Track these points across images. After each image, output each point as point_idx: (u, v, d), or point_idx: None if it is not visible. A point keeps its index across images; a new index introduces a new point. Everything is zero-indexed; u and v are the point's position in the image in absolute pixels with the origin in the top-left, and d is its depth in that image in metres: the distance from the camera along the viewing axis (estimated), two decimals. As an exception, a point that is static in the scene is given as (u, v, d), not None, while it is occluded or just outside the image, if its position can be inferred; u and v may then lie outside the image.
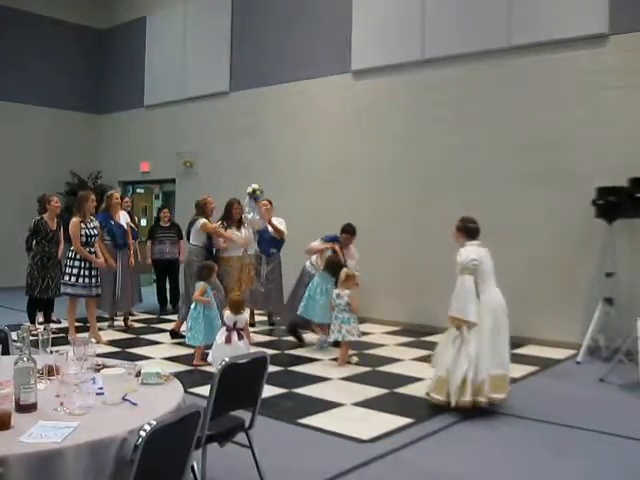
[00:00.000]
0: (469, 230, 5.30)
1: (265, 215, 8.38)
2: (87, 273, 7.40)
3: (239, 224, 8.00)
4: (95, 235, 7.53)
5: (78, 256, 7.38)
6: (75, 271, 7.37)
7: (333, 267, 7.27)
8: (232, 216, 7.96)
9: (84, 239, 7.36)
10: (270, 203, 8.74)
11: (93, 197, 7.67)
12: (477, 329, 5.03)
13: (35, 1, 13.16)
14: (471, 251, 5.14)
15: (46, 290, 8.23)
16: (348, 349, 6.89)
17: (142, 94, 13.34)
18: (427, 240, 8.96)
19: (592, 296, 7.39)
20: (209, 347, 6.29)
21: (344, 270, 7.02)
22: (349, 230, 7.67)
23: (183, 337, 7.82)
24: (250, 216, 8.12)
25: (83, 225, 7.38)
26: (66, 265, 7.49)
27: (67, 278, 7.41)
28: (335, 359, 6.90)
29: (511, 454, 4.38)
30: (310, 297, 7.43)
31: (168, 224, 10.23)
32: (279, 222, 8.57)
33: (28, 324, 7.93)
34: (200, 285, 6.76)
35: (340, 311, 6.74)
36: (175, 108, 12.63)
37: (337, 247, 7.62)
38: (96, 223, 7.67)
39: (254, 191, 8.17)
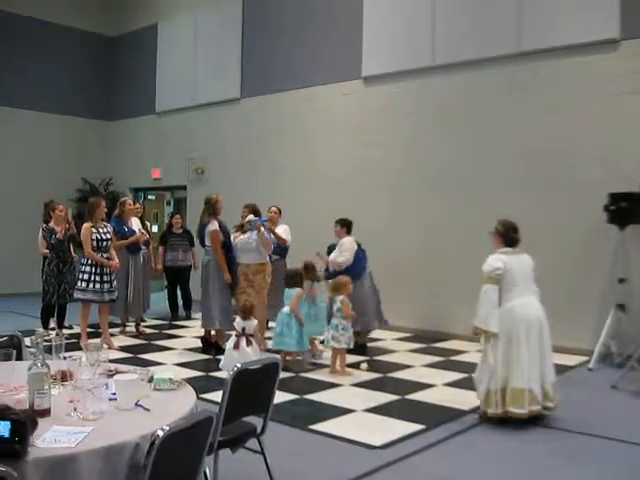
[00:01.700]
0: (509, 239, 5.19)
1: (271, 223, 8.29)
2: (98, 279, 7.43)
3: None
4: (108, 239, 7.57)
5: (90, 261, 7.42)
6: (86, 276, 7.42)
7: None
8: (242, 221, 8.02)
9: (95, 244, 7.41)
10: (279, 211, 8.70)
11: (104, 203, 7.77)
12: (495, 338, 5.00)
13: (46, 8, 13.25)
14: (497, 259, 5.06)
15: (63, 295, 8.29)
16: (339, 356, 6.65)
17: (153, 101, 13.40)
18: (437, 246, 8.94)
19: (604, 302, 7.35)
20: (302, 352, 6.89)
21: (333, 281, 7.03)
22: (337, 222, 7.90)
23: (218, 346, 7.35)
24: (254, 245, 7.65)
25: (94, 230, 7.44)
26: (79, 271, 7.56)
27: (79, 283, 7.48)
28: (349, 365, 6.80)
29: (522, 461, 4.35)
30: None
31: (180, 230, 10.19)
32: (283, 229, 8.42)
33: (42, 330, 7.98)
34: (297, 293, 6.84)
35: (334, 317, 6.69)
36: (186, 115, 12.68)
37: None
38: (109, 228, 7.72)
39: (248, 222, 7.67)
